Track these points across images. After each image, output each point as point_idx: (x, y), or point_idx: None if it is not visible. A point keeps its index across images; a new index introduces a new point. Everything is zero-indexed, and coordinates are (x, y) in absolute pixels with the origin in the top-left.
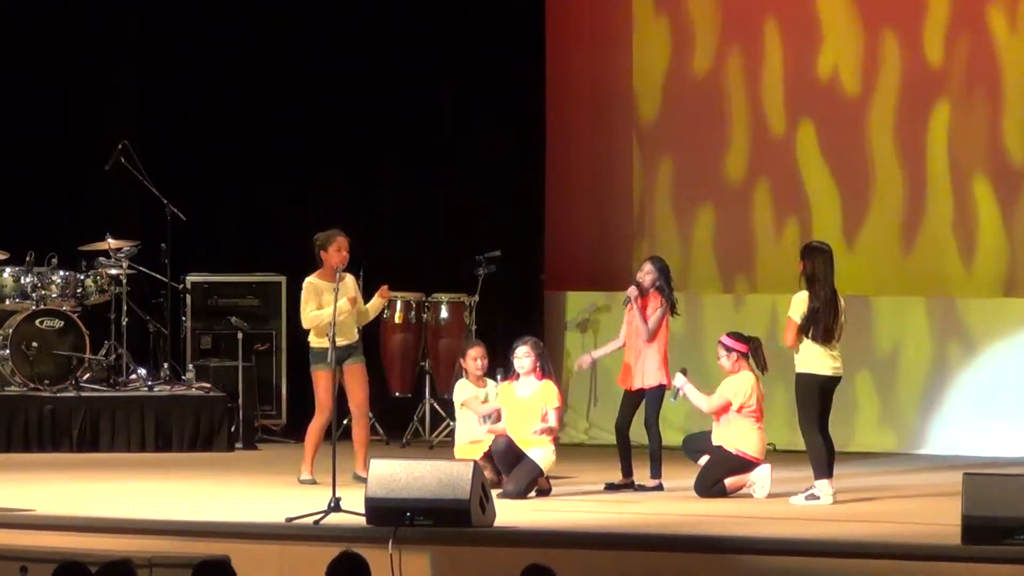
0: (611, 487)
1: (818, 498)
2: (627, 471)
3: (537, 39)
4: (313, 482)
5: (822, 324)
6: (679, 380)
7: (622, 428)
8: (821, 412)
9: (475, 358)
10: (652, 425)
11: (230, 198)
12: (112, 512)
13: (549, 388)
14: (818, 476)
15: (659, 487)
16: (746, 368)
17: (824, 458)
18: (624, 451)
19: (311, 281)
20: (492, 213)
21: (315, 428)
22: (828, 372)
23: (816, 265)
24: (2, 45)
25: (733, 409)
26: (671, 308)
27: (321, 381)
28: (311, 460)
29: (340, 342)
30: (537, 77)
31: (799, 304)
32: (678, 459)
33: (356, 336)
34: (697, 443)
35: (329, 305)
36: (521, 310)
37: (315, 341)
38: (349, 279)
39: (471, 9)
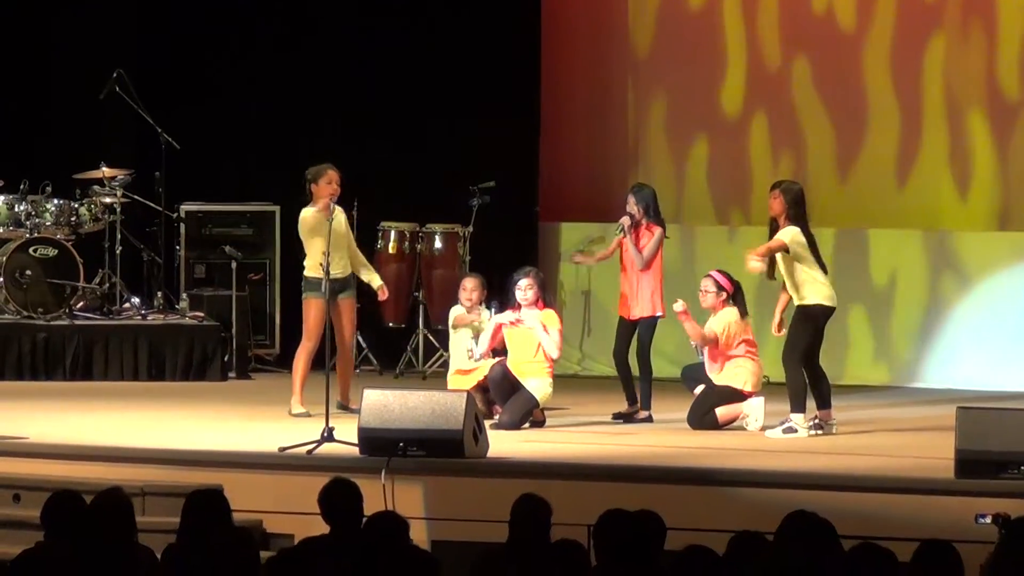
0: (618, 416)
1: (795, 431)
2: (632, 399)
3: None
4: (307, 415)
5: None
6: (679, 305)
7: (621, 356)
8: (813, 344)
9: (466, 288)
10: (643, 356)
11: (224, 127)
12: (105, 441)
13: (550, 315)
14: (794, 409)
15: (648, 419)
16: (728, 307)
17: (802, 392)
18: (626, 379)
19: (310, 215)
20: (487, 144)
21: (302, 353)
22: (832, 304)
23: (797, 200)
24: None
25: (721, 344)
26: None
27: (312, 309)
28: (300, 391)
29: (335, 274)
30: (533, 8)
31: (797, 235)
32: (672, 391)
33: (350, 270)
34: (695, 372)
35: (318, 241)
36: (515, 241)
37: (310, 269)
38: (339, 214)
39: None
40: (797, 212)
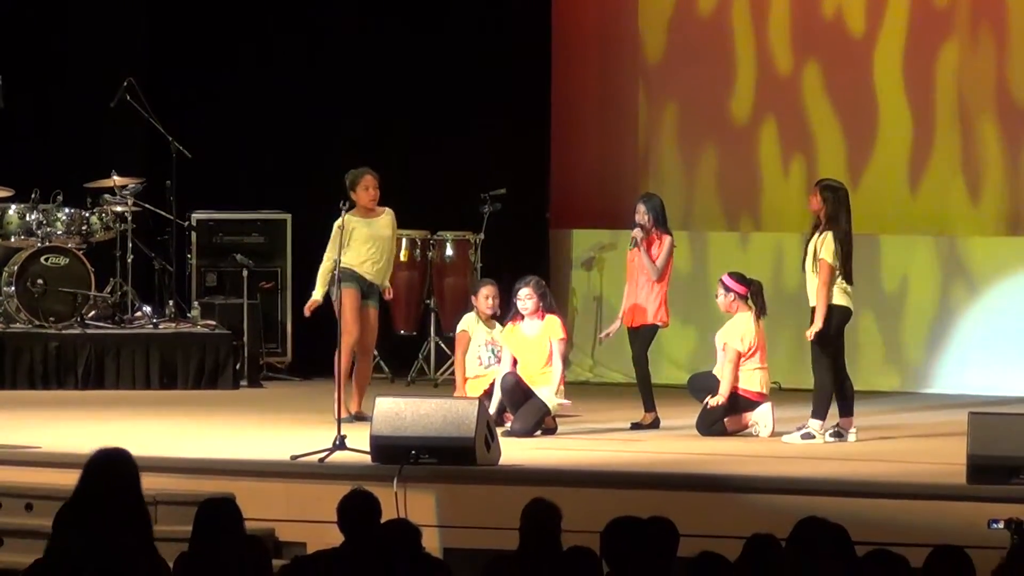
0: (637, 426)
1: (813, 437)
2: (649, 408)
3: None
4: (362, 418)
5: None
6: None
7: (641, 362)
8: (837, 348)
9: (487, 296)
10: (642, 360)
11: (236, 135)
12: None
13: (553, 322)
14: (815, 415)
15: (656, 422)
16: (744, 309)
17: (826, 398)
18: (646, 387)
19: (344, 220)
20: (498, 151)
21: (344, 350)
22: (848, 305)
23: (839, 201)
24: None
25: (741, 350)
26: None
27: (345, 299)
28: (344, 392)
29: (369, 275)
30: (543, 15)
31: (831, 246)
32: (682, 397)
33: (381, 279)
34: (702, 382)
35: (358, 240)
36: (526, 248)
37: (343, 262)
38: (385, 217)
39: None
40: (835, 212)
